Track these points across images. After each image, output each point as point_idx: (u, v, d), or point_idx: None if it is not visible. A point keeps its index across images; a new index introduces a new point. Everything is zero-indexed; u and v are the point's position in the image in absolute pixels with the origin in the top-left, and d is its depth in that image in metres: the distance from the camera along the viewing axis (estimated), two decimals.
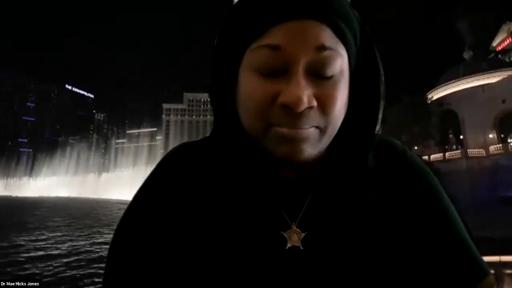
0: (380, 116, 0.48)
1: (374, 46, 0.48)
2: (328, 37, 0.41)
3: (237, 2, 0.46)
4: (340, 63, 0.42)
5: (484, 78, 30.41)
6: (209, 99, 0.51)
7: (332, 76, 0.42)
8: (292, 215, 0.47)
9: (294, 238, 0.45)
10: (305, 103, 0.39)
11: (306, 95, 0.39)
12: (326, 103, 0.41)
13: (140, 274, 0.46)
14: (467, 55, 36.83)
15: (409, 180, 0.50)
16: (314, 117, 0.41)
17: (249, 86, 0.43)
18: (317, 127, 0.42)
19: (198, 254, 0.46)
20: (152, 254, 0.47)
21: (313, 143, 0.43)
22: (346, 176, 0.48)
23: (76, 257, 9.02)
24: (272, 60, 0.41)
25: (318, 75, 0.41)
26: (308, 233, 0.46)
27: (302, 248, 0.45)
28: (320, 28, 0.40)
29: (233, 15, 0.45)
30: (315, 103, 0.41)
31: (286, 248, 0.45)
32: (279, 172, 0.48)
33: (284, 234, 0.46)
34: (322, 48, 0.40)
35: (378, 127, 0.49)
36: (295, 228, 0.46)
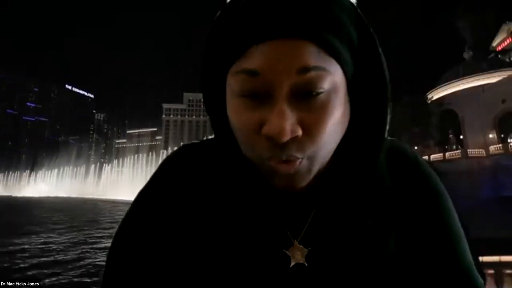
0: (387, 122, 0.45)
1: (377, 43, 0.43)
2: (312, 55, 0.36)
3: (217, 17, 0.43)
4: (330, 80, 0.38)
5: (484, 78, 30.39)
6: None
7: (320, 95, 0.37)
8: (295, 230, 0.45)
9: (298, 255, 0.44)
10: (288, 134, 0.36)
11: (289, 124, 0.36)
12: (313, 129, 0.38)
13: (138, 277, 0.45)
14: (467, 55, 36.80)
15: (419, 197, 0.48)
16: (301, 145, 0.38)
17: (235, 113, 0.41)
18: (304, 157, 0.39)
19: (197, 268, 0.44)
20: (152, 259, 0.45)
21: (307, 173, 0.41)
22: (352, 192, 0.46)
23: (76, 257, 9.02)
24: (252, 86, 0.37)
25: (304, 96, 0.37)
26: (312, 249, 0.44)
27: (306, 264, 0.43)
28: (302, 47, 0.36)
29: (214, 32, 0.43)
30: (300, 132, 0.37)
31: (290, 266, 0.43)
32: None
33: (287, 252, 0.44)
34: (305, 70, 0.36)
35: (386, 133, 0.45)
36: (298, 245, 0.44)
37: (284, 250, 0.44)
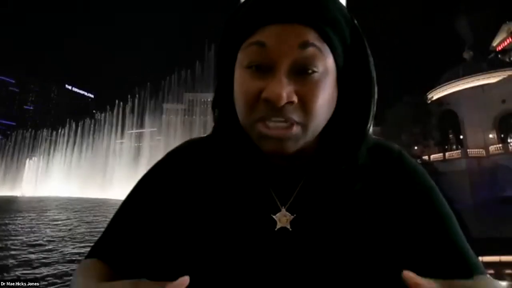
0: (372, 113, 0.51)
1: (366, 46, 0.50)
2: (312, 36, 0.43)
3: (237, 8, 0.50)
4: (324, 62, 0.45)
5: (484, 78, 30.34)
6: (209, 99, 0.63)
7: (314, 74, 0.44)
8: (283, 199, 0.51)
9: (283, 220, 0.50)
10: (284, 98, 0.42)
11: (286, 91, 0.43)
12: (306, 100, 0.44)
13: (137, 245, 0.52)
14: (467, 55, 36.71)
15: (401, 176, 0.53)
16: (295, 112, 0.44)
17: (239, 82, 0.47)
18: (298, 123, 0.45)
19: (191, 235, 0.50)
20: (149, 232, 0.52)
21: (296, 139, 0.46)
22: (336, 167, 0.51)
23: (76, 258, 9.00)
24: (259, 57, 0.44)
25: (302, 73, 0.44)
26: (297, 216, 0.50)
27: (290, 229, 0.49)
28: (303, 29, 0.43)
29: (231, 20, 0.50)
30: (295, 99, 0.44)
31: (276, 229, 0.49)
32: (272, 161, 0.52)
33: (274, 216, 0.50)
34: (305, 44, 0.43)
35: (370, 123, 0.51)
36: (285, 211, 0.50)
37: (271, 215, 0.50)
